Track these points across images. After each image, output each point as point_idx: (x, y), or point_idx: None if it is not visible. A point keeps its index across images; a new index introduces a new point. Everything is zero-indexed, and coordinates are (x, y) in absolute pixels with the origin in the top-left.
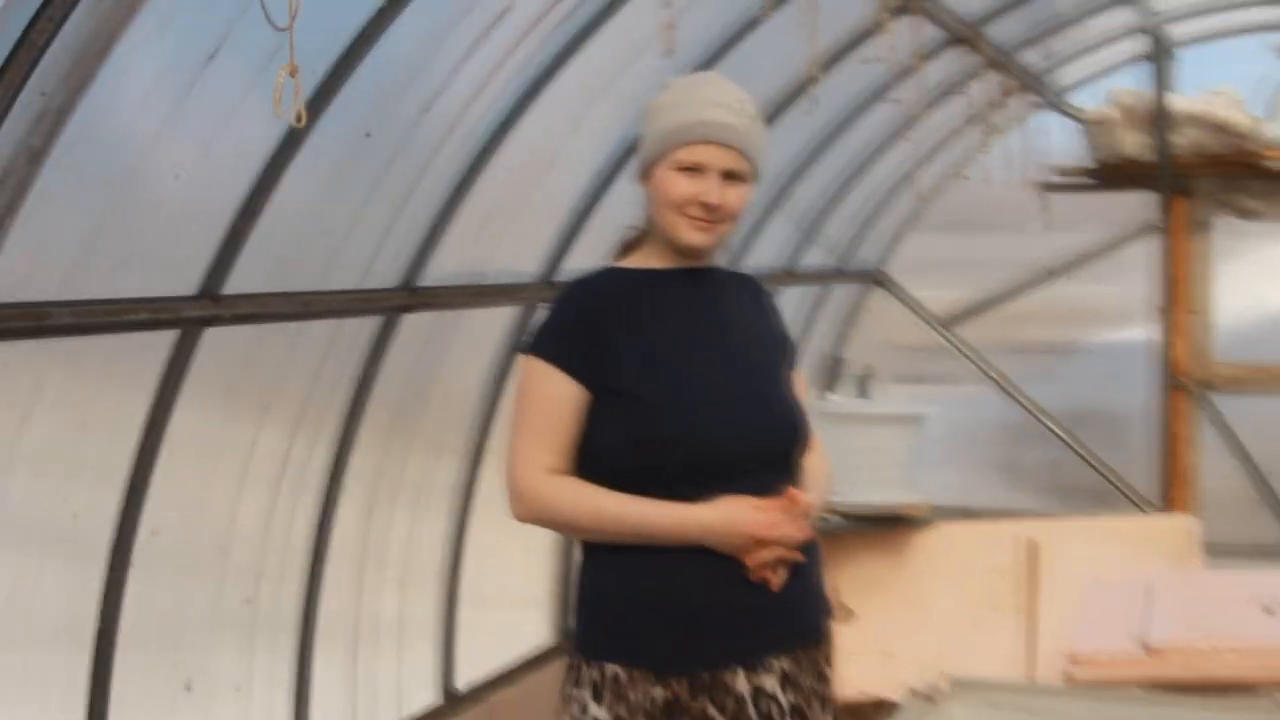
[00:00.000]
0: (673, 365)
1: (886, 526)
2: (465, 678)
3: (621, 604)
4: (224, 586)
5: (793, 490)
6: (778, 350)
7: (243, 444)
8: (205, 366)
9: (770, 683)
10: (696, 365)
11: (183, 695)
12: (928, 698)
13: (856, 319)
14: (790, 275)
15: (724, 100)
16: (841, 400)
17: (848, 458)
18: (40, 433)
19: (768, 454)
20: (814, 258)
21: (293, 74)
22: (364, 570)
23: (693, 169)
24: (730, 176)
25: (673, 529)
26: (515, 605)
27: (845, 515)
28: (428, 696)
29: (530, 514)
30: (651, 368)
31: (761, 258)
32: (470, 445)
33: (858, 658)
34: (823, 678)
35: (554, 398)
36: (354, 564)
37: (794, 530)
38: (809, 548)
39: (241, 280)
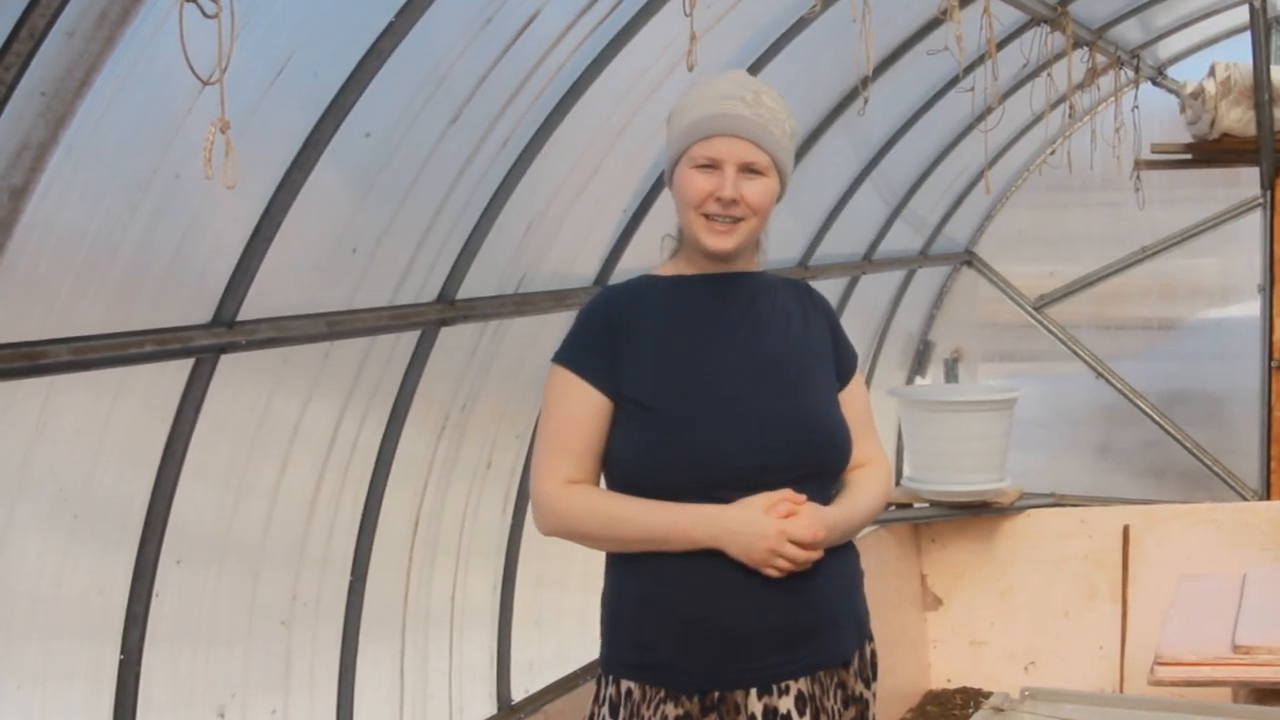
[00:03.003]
0: (690, 375)
1: (976, 513)
2: (522, 687)
3: (636, 621)
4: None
5: (789, 492)
6: (821, 360)
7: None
8: (226, 390)
9: (785, 704)
10: (716, 376)
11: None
12: (998, 709)
13: (945, 300)
14: (873, 263)
15: (737, 93)
16: (929, 386)
17: (936, 444)
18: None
19: (792, 468)
20: (901, 239)
21: (223, 130)
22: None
23: (709, 165)
24: (748, 170)
25: (683, 531)
26: (570, 621)
27: (934, 503)
28: (482, 707)
29: (551, 526)
30: (667, 377)
31: (845, 244)
32: None
33: (945, 646)
34: (854, 699)
35: (575, 407)
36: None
37: (803, 532)
38: (842, 566)
39: (261, 304)
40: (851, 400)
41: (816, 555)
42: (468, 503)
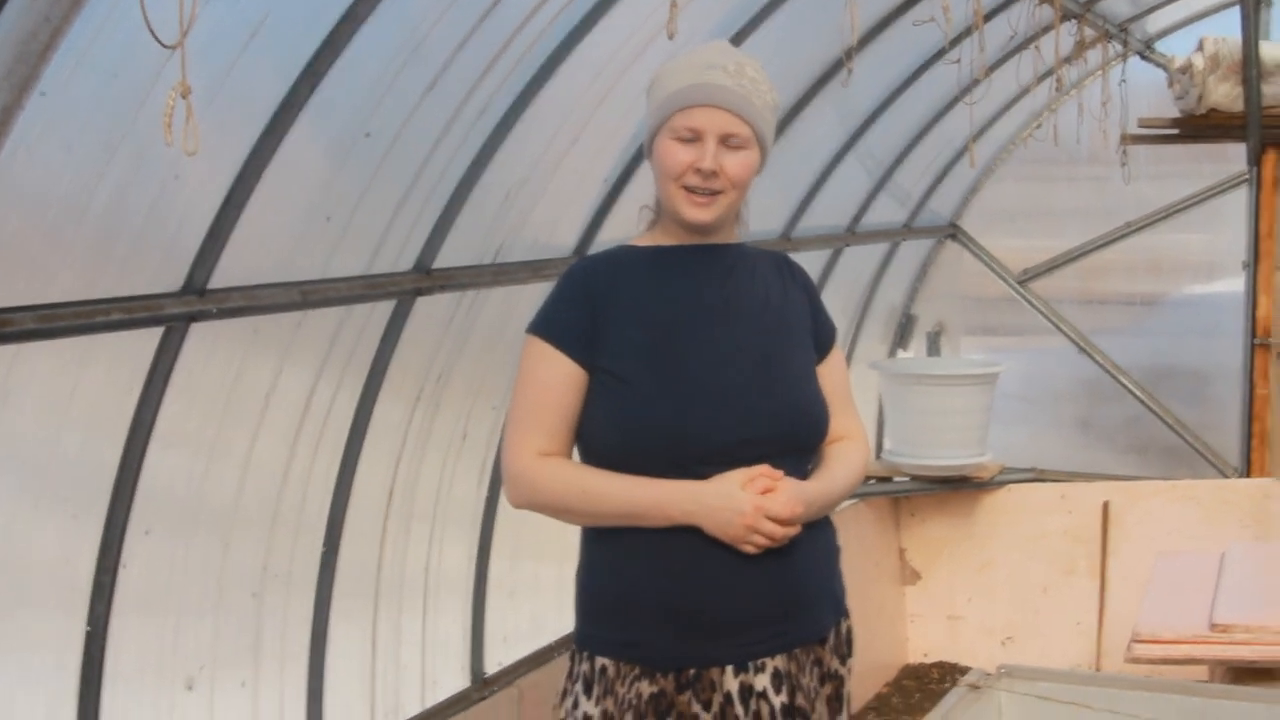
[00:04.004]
0: (668, 348)
1: (956, 487)
2: (495, 659)
3: (610, 597)
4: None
5: (766, 468)
6: (799, 334)
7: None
8: (197, 359)
9: (761, 682)
10: (694, 349)
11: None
12: (975, 686)
13: (928, 273)
14: (856, 235)
15: (719, 62)
16: (911, 359)
17: (917, 418)
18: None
19: (768, 443)
20: (885, 211)
21: (184, 95)
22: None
23: (690, 136)
24: (729, 142)
25: (659, 506)
26: (545, 593)
27: (914, 476)
28: (455, 681)
29: (523, 498)
30: (645, 350)
31: (828, 216)
32: None
33: (923, 620)
34: (830, 676)
35: (550, 378)
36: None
37: (780, 508)
38: (819, 542)
39: (233, 272)
40: (830, 373)
41: (794, 531)
42: (443, 474)
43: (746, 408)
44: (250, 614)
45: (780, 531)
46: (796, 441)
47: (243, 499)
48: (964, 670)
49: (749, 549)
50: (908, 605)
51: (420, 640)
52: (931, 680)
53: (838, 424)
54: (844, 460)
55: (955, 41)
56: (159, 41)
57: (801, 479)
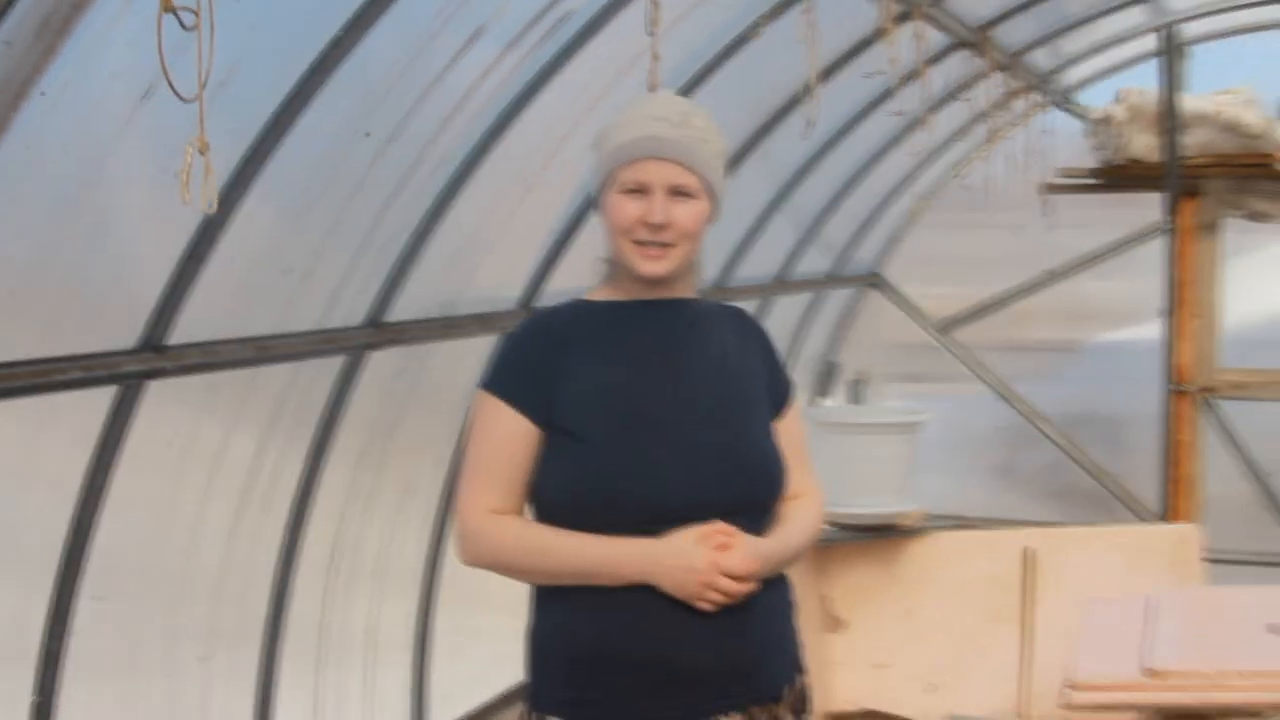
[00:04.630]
0: (624, 405)
1: (880, 535)
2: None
3: (563, 655)
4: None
5: (721, 524)
6: (757, 389)
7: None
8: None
9: None
10: (651, 406)
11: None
12: None
13: (851, 321)
14: (784, 284)
15: (663, 114)
16: (835, 408)
17: (841, 466)
18: None
19: (726, 501)
20: (812, 261)
21: (203, 151)
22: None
23: (637, 189)
24: (678, 193)
25: (614, 564)
26: (485, 648)
27: (838, 525)
28: None
29: (476, 557)
30: (600, 407)
31: (759, 265)
32: None
33: (848, 669)
34: None
35: (501, 435)
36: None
37: (736, 564)
38: (775, 599)
39: (191, 327)
40: (787, 431)
41: (751, 588)
42: (386, 530)
43: (704, 465)
44: (198, 677)
45: (736, 588)
46: (754, 499)
47: (192, 561)
48: (890, 718)
49: (705, 606)
50: (833, 653)
51: (362, 699)
52: None
53: (794, 481)
54: (800, 517)
55: (889, 93)
56: (177, 95)
57: (758, 536)
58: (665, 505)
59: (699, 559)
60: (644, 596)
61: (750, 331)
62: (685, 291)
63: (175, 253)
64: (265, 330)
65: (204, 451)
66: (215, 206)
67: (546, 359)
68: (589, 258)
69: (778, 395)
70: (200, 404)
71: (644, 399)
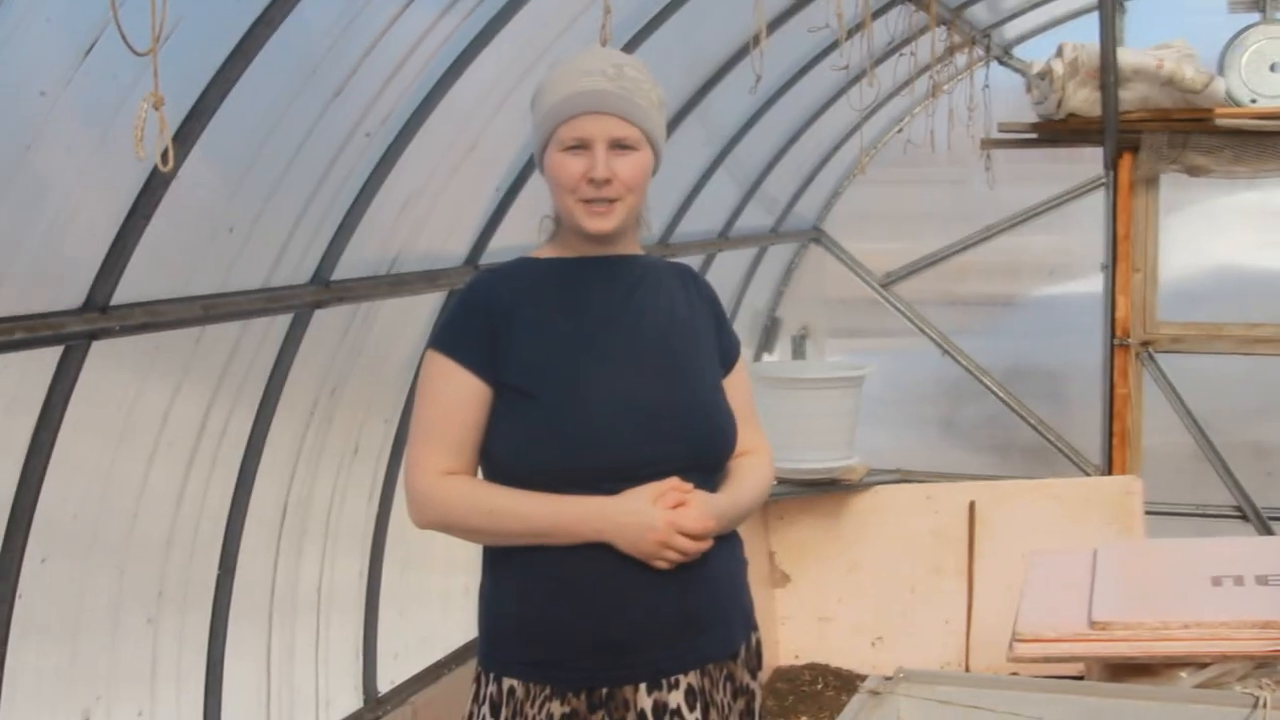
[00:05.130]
0: (574, 363)
1: (824, 490)
2: (388, 678)
3: (518, 617)
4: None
5: (677, 481)
6: (705, 345)
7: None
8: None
9: (675, 699)
10: (601, 363)
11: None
12: (874, 692)
13: (793, 277)
14: (728, 240)
15: (596, 67)
16: (777, 363)
17: (784, 422)
18: None
19: (677, 458)
20: (754, 217)
21: (157, 106)
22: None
23: (578, 145)
24: (619, 146)
25: (568, 523)
26: (434, 606)
27: (782, 479)
28: (349, 700)
29: (427, 519)
30: (550, 365)
31: (702, 221)
32: None
33: (793, 622)
34: (743, 691)
35: (452, 395)
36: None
37: (692, 523)
38: (729, 556)
39: (135, 287)
40: (735, 388)
41: (706, 545)
42: (335, 489)
43: (655, 423)
44: (146, 640)
45: (692, 546)
46: (705, 456)
47: (139, 523)
48: (835, 671)
49: (661, 564)
50: (778, 608)
51: (314, 659)
52: (803, 682)
53: (744, 438)
54: (751, 474)
55: (832, 47)
56: (131, 49)
57: (710, 493)
58: (618, 463)
59: (656, 517)
60: (599, 556)
61: (698, 289)
62: (631, 247)
63: (119, 211)
64: (210, 289)
65: (150, 412)
66: (170, 163)
67: (494, 317)
68: (534, 215)
69: (726, 352)
70: (146, 364)
71: (593, 356)
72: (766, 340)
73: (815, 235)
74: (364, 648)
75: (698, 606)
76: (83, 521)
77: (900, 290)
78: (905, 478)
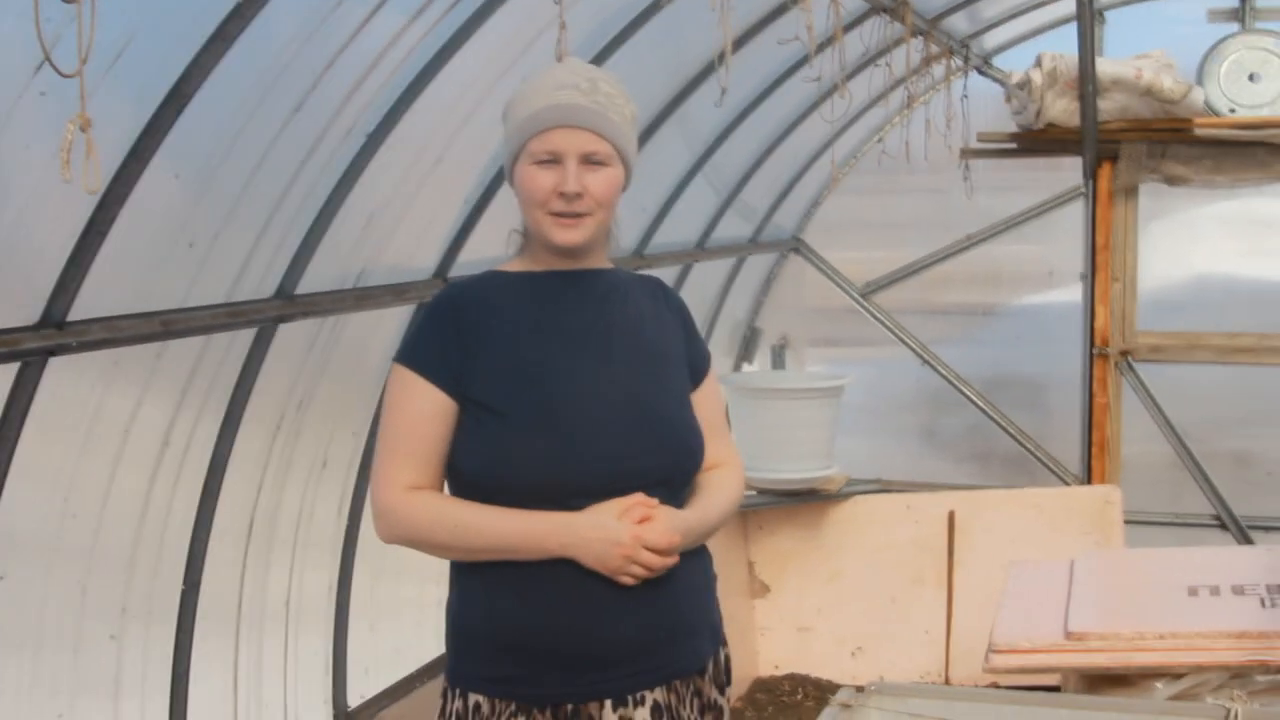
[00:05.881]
0: (541, 378)
1: (803, 500)
2: (358, 692)
3: (483, 632)
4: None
5: (642, 497)
6: (674, 360)
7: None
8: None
9: (641, 715)
10: (568, 378)
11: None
12: (845, 705)
13: (772, 287)
14: (705, 251)
15: (570, 81)
16: (757, 373)
17: (763, 432)
18: None
19: (644, 473)
20: (732, 226)
21: (84, 128)
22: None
23: (549, 159)
24: (590, 161)
25: (534, 538)
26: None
27: (762, 490)
28: (318, 715)
29: (393, 534)
30: (518, 380)
31: (679, 231)
32: None
33: (773, 633)
34: (710, 707)
35: (418, 409)
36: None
37: (659, 538)
38: (696, 571)
39: (93, 302)
40: (704, 401)
41: (672, 561)
42: (303, 501)
43: (622, 438)
44: (110, 654)
45: (658, 561)
46: (672, 471)
47: (101, 537)
48: (815, 682)
49: (626, 580)
50: (757, 618)
51: (282, 673)
52: (783, 692)
53: (712, 451)
54: (720, 488)
55: (804, 60)
56: (57, 71)
57: (677, 508)
58: (583, 479)
59: (622, 533)
60: (564, 571)
61: (667, 301)
62: (600, 261)
63: (75, 227)
64: (171, 303)
65: (111, 426)
66: (97, 186)
67: (461, 331)
68: (503, 228)
69: (695, 366)
70: (106, 378)
71: (560, 371)
72: (746, 350)
73: (794, 245)
74: (334, 661)
75: (664, 622)
76: (43, 536)
77: (880, 300)
78: (885, 487)
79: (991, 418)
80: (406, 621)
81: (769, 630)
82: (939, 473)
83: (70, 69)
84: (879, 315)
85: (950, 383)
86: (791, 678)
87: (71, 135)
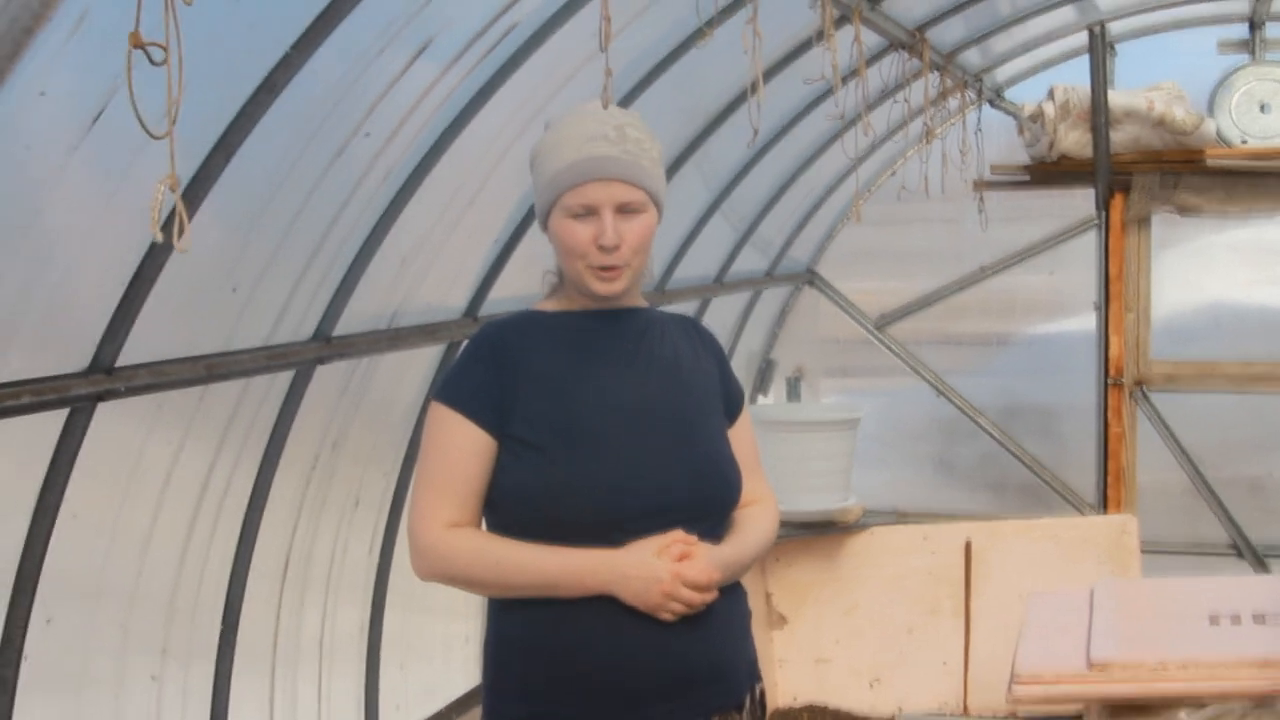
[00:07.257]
0: (581, 415)
1: (820, 532)
2: None
3: (523, 669)
4: None
5: (681, 534)
6: (710, 396)
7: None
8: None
9: None
10: (608, 416)
11: None
12: None
13: (787, 319)
14: (723, 285)
15: (599, 132)
16: (774, 406)
17: (781, 464)
18: None
19: (684, 509)
20: (749, 260)
21: (173, 188)
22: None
23: (584, 213)
24: (625, 210)
25: (574, 575)
26: (437, 657)
27: (780, 523)
28: None
29: (431, 571)
30: (557, 417)
31: (697, 266)
32: None
33: (791, 665)
34: None
35: (457, 446)
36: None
37: (698, 574)
38: (733, 607)
39: (140, 348)
40: (740, 437)
41: (711, 597)
42: (336, 540)
43: (662, 474)
44: (150, 695)
45: (698, 598)
46: (711, 507)
47: (143, 579)
48: (834, 713)
49: (666, 616)
50: (775, 650)
51: (316, 712)
52: None
53: (748, 488)
54: (756, 524)
55: (826, 94)
56: (148, 132)
57: (714, 544)
58: (623, 515)
59: (661, 569)
60: (604, 608)
61: (702, 340)
62: (635, 300)
63: (124, 275)
64: (214, 347)
65: (154, 469)
66: (187, 247)
67: (501, 369)
68: (531, 266)
69: (730, 402)
70: (150, 422)
71: (599, 408)
72: (761, 383)
73: (809, 278)
74: (365, 699)
75: (703, 658)
76: (88, 579)
77: (894, 331)
78: (901, 518)
79: (1006, 448)
80: (437, 658)
81: (787, 662)
82: (954, 503)
83: (130, 116)
84: (893, 346)
85: (965, 413)
86: (810, 709)
87: (161, 195)
